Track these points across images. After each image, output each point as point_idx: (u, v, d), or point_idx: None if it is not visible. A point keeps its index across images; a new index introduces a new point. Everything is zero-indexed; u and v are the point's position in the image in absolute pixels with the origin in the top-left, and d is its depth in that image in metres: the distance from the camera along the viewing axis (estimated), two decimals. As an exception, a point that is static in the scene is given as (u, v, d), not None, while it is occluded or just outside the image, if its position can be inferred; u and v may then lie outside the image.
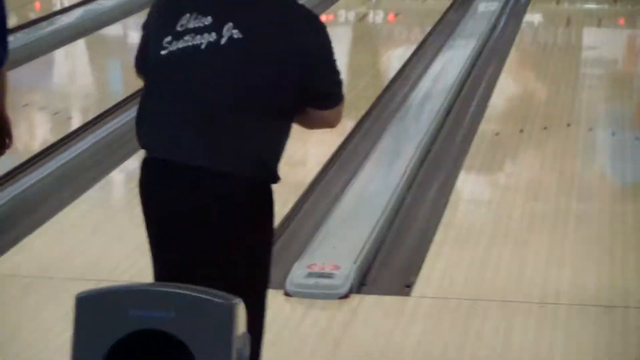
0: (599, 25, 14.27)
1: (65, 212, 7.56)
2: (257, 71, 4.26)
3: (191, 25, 4.29)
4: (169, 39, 4.30)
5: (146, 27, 4.55)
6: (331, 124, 4.59)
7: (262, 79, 4.27)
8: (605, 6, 15.47)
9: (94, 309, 3.45)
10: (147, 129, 4.44)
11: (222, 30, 4.25)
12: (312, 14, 4.40)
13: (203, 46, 4.26)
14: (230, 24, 4.25)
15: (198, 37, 4.27)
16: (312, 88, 4.36)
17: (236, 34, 4.24)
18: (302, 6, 4.42)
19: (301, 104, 4.38)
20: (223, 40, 4.24)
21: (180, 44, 4.29)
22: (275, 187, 4.44)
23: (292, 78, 4.29)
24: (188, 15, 4.30)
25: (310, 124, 4.56)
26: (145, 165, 4.46)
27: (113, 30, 13.41)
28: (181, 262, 4.43)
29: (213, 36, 4.25)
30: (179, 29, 4.30)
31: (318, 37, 4.37)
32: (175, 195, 4.39)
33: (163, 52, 4.31)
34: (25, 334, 5.87)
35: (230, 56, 4.25)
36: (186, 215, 4.37)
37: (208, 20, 4.27)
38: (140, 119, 4.45)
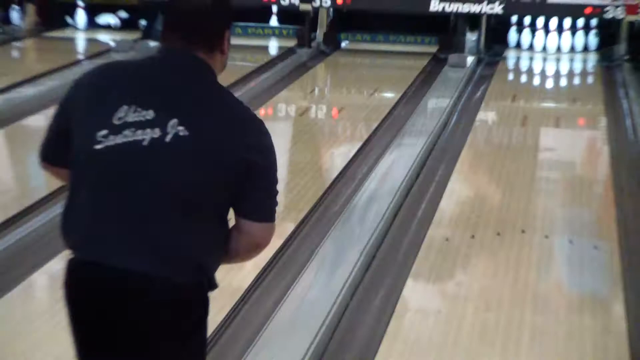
0: (557, 125, 14.38)
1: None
2: (203, 170, 4.27)
3: (130, 119, 4.26)
4: (104, 132, 4.26)
5: (64, 112, 4.49)
6: (259, 243, 4.52)
7: (207, 178, 4.28)
8: (564, 105, 15.62)
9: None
10: (74, 228, 4.42)
11: (166, 127, 4.25)
12: (258, 117, 4.44)
13: (146, 142, 4.24)
14: (175, 120, 4.25)
15: (140, 132, 4.25)
16: (248, 193, 4.37)
17: (182, 131, 4.24)
18: (247, 108, 4.45)
19: (235, 209, 4.40)
20: (168, 138, 4.24)
21: (119, 139, 4.25)
22: (211, 292, 4.48)
23: (235, 180, 4.32)
24: (126, 107, 4.28)
25: (236, 246, 4.51)
26: (71, 267, 4.44)
27: (34, 120, 13.38)
28: None
29: (157, 132, 4.24)
30: (116, 122, 4.27)
31: (264, 143, 4.40)
32: (103, 301, 4.39)
33: (98, 147, 4.27)
34: None
35: (176, 154, 4.24)
36: (114, 324, 4.36)
37: (150, 114, 4.26)
38: (66, 217, 4.43)
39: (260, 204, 4.43)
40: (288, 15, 18.02)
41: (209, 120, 4.30)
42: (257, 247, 4.54)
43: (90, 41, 18.70)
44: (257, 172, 4.35)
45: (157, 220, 4.27)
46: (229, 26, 4.52)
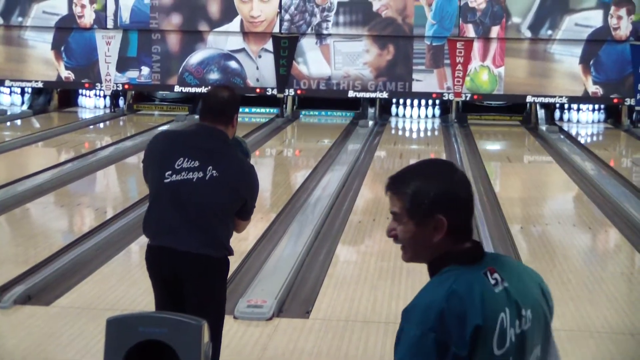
0: (418, 158, 14.29)
1: (106, 266, 7.50)
2: (224, 193, 4.43)
3: (185, 165, 4.42)
4: (169, 172, 4.42)
5: (146, 162, 4.60)
6: (242, 229, 4.71)
7: (226, 197, 4.44)
8: (422, 146, 15.56)
9: (118, 327, 3.43)
10: (151, 226, 4.53)
11: (206, 170, 4.41)
12: (251, 166, 4.58)
13: (194, 180, 4.40)
14: (211, 167, 4.41)
15: (190, 173, 4.41)
16: (245, 205, 4.53)
17: (215, 173, 4.41)
18: (246, 161, 4.61)
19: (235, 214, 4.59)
20: (207, 177, 4.40)
21: (179, 177, 4.41)
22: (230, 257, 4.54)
23: (240, 197, 4.49)
24: (182, 158, 4.42)
25: (234, 229, 4.66)
26: (148, 249, 4.56)
27: (131, 159, 13.31)
28: (174, 301, 4.46)
29: (200, 174, 4.40)
30: (176, 167, 4.42)
31: (252, 180, 4.55)
32: (168, 266, 4.45)
33: (166, 180, 4.42)
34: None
35: (211, 186, 4.40)
36: (178, 279, 4.46)
37: (196, 163, 4.42)
38: (146, 219, 4.50)
39: (246, 214, 4.60)
40: (270, 100, 17.98)
41: (228, 167, 4.45)
42: (242, 229, 4.71)
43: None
44: (248, 201, 4.53)
45: (200, 223, 4.40)
46: (237, 112, 4.68)
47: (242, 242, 7.81)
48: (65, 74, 17.96)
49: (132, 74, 17.82)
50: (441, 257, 2.50)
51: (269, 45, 17.27)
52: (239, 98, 4.71)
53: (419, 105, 18.10)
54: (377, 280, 7.23)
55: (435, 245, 2.50)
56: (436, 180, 2.51)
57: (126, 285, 6.97)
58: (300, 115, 18.17)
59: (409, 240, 2.52)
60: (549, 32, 16.96)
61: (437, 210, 2.48)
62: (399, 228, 2.54)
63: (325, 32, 17.32)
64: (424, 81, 17.31)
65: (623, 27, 16.75)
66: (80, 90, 18.60)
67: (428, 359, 2.33)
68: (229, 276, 4.65)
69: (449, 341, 2.33)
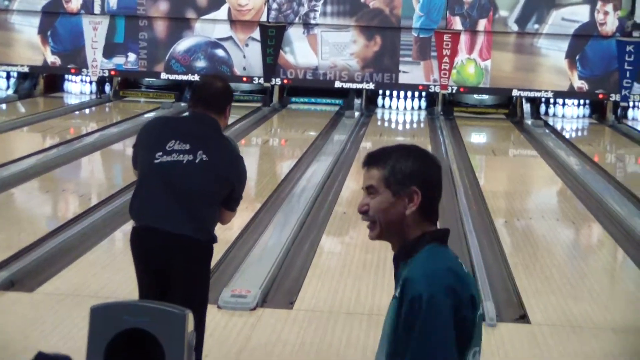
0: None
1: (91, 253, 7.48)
2: (213, 178, 4.43)
3: (176, 147, 4.44)
4: (160, 153, 4.43)
5: (137, 145, 4.60)
6: (227, 220, 4.72)
7: (215, 182, 4.45)
8: (408, 138, 15.56)
9: (103, 315, 3.42)
10: (138, 207, 4.52)
11: (196, 154, 4.43)
12: (240, 156, 4.60)
13: (184, 162, 4.42)
14: (201, 151, 4.43)
15: (181, 155, 4.43)
16: (232, 193, 4.54)
17: (204, 157, 4.43)
18: (235, 147, 4.62)
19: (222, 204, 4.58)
20: (197, 160, 4.42)
21: (168, 158, 4.42)
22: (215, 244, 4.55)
23: (228, 184, 4.50)
24: (174, 141, 4.44)
25: (219, 220, 4.65)
26: (134, 231, 4.55)
27: (118, 146, 13.24)
28: (157, 288, 4.44)
29: (190, 157, 4.42)
30: (167, 148, 4.44)
31: (241, 168, 4.57)
32: (155, 248, 4.43)
33: (156, 161, 4.43)
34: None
35: (200, 169, 4.41)
36: (163, 261, 4.44)
37: (187, 146, 4.44)
38: (133, 201, 4.48)
39: (232, 203, 4.61)
40: (258, 89, 17.91)
41: (218, 153, 4.47)
42: (226, 222, 4.73)
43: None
44: (235, 190, 4.55)
45: (187, 205, 4.39)
46: (230, 102, 4.72)
47: (226, 231, 7.79)
48: (52, 58, 17.86)
49: (118, 60, 17.73)
50: (424, 234, 2.71)
51: (257, 34, 17.22)
52: (231, 90, 4.75)
53: (405, 97, 18.08)
54: (361, 271, 7.23)
55: (406, 219, 2.70)
56: (413, 157, 2.73)
57: (110, 272, 6.95)
58: (291, 102, 18.09)
59: (383, 211, 2.72)
60: (536, 26, 16.98)
61: (413, 182, 2.69)
62: (372, 201, 2.73)
63: (312, 22, 17.29)
64: (411, 73, 17.30)
65: (609, 23, 16.78)
66: (66, 76, 18.50)
67: (446, 318, 2.55)
68: (213, 265, 4.66)
69: (460, 305, 2.57)
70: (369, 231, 2.78)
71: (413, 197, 2.69)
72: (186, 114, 4.74)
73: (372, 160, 2.75)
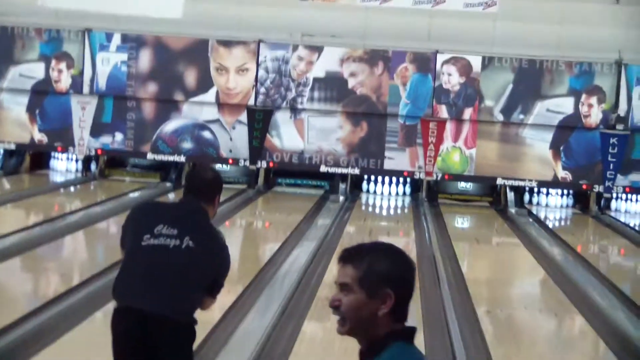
0: (388, 235, 14.27)
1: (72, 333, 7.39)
2: (197, 265, 4.48)
3: (164, 232, 4.50)
4: (148, 236, 4.49)
5: (126, 227, 4.66)
6: (208, 306, 4.72)
7: (199, 269, 4.50)
8: (392, 224, 15.58)
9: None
10: (121, 288, 4.53)
11: (183, 240, 4.49)
12: (226, 245, 4.67)
13: (171, 246, 4.47)
14: (188, 237, 4.49)
15: (168, 240, 4.48)
16: (215, 282, 4.61)
17: (191, 244, 4.49)
18: (221, 237, 4.69)
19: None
20: (183, 246, 4.48)
21: (156, 242, 4.48)
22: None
23: (211, 271, 4.57)
24: (162, 225, 4.50)
25: (201, 305, 4.67)
26: (115, 311, 4.55)
27: (104, 224, 13.19)
28: None
29: (177, 242, 4.48)
30: (155, 232, 4.50)
31: (225, 258, 4.64)
32: (134, 328, 4.41)
33: (143, 243, 4.48)
34: None
35: (186, 256, 4.46)
36: (141, 342, 4.44)
37: (175, 231, 4.50)
38: (118, 281, 4.52)
39: (214, 291, 4.65)
40: (242, 171, 17.97)
41: (204, 241, 4.54)
42: (207, 306, 4.72)
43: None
44: (218, 279, 4.64)
45: (171, 289, 4.43)
46: (219, 192, 4.84)
47: (208, 313, 7.73)
48: (39, 136, 17.91)
49: (105, 139, 17.80)
50: (392, 333, 2.70)
51: (244, 117, 17.34)
52: (222, 180, 4.86)
53: (390, 183, 18.15)
54: (342, 358, 7.16)
55: (378, 320, 2.71)
56: (389, 259, 2.74)
57: (91, 353, 6.87)
58: (277, 182, 18.10)
59: (354, 311, 2.74)
60: (521, 116, 17.16)
61: (388, 285, 2.69)
62: (345, 299, 2.76)
63: (299, 106, 17.43)
64: (396, 159, 17.40)
65: (593, 115, 16.97)
66: (52, 153, 18.54)
67: None
68: (194, 347, 4.64)
69: None
70: (338, 326, 2.81)
71: (386, 299, 2.70)
72: (177, 200, 4.83)
73: (348, 257, 2.79)
